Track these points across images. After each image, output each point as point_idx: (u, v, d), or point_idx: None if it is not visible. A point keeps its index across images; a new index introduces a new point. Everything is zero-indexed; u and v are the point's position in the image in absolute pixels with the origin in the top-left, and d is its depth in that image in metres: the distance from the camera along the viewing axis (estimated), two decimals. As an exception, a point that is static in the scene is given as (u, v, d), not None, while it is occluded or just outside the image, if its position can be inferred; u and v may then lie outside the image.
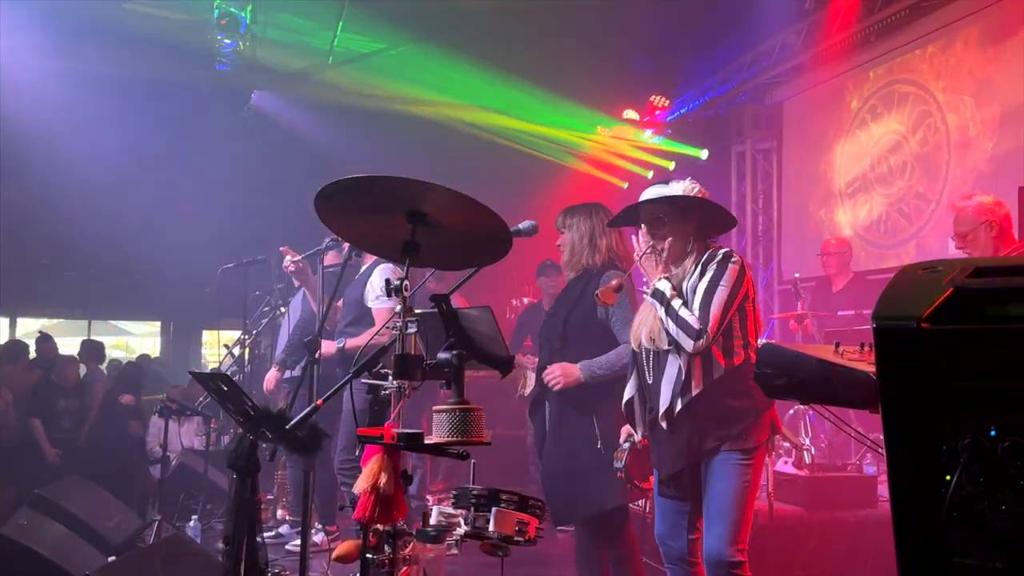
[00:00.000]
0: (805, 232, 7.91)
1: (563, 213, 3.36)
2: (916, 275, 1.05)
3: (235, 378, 4.40)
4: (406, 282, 1.93)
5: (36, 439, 6.53)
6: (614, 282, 2.81)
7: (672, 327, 2.60)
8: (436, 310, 1.92)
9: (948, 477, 0.94)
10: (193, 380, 5.93)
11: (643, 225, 2.79)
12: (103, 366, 8.30)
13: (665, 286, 2.67)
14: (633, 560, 3.21)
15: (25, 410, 6.69)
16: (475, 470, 2.18)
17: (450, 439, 1.78)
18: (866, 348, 1.35)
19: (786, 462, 4.50)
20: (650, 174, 9.07)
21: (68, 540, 4.12)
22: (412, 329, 1.92)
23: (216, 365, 7.90)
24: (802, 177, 8.08)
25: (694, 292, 2.63)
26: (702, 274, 2.65)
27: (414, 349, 1.92)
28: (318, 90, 8.98)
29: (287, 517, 5.55)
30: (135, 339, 16.09)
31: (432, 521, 2.05)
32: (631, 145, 9.62)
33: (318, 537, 4.87)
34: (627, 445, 2.89)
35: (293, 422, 2.11)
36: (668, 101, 9.19)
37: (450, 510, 2.07)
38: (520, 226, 2.60)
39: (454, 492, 2.13)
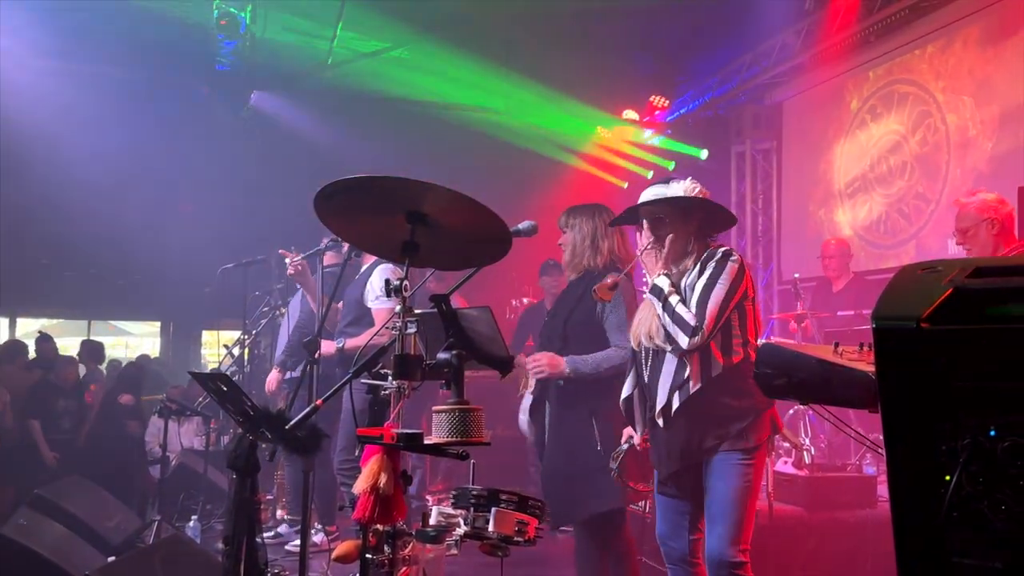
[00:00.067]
0: (805, 232, 7.91)
1: (566, 213, 3.36)
2: (916, 275, 1.05)
3: (235, 378, 4.42)
4: (406, 282, 1.93)
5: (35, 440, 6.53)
6: (609, 279, 2.82)
7: (669, 323, 2.60)
8: (436, 310, 1.92)
9: (947, 477, 0.94)
10: (193, 380, 5.94)
11: (644, 222, 2.80)
12: (103, 366, 8.30)
13: (664, 282, 2.68)
14: (630, 560, 3.21)
15: (24, 410, 6.68)
16: (475, 470, 2.18)
17: (450, 439, 1.78)
18: (865, 348, 1.35)
19: (786, 462, 4.50)
20: (650, 174, 9.08)
21: (68, 540, 4.12)
22: (412, 329, 1.92)
23: (216, 365, 7.91)
24: (802, 177, 8.08)
25: (692, 290, 2.63)
26: (701, 272, 2.65)
27: (414, 349, 1.92)
28: (318, 90, 8.98)
29: (286, 516, 5.55)
30: (135, 339, 16.10)
31: (432, 521, 2.05)
32: (631, 145, 9.62)
33: (318, 537, 4.87)
34: (626, 446, 2.90)
35: (292, 422, 2.11)
36: (668, 101, 9.20)
37: (450, 510, 2.07)
38: (520, 226, 2.61)
39: (454, 492, 2.14)
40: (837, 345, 1.42)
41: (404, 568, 1.97)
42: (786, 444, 4.52)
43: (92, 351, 7.98)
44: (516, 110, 9.48)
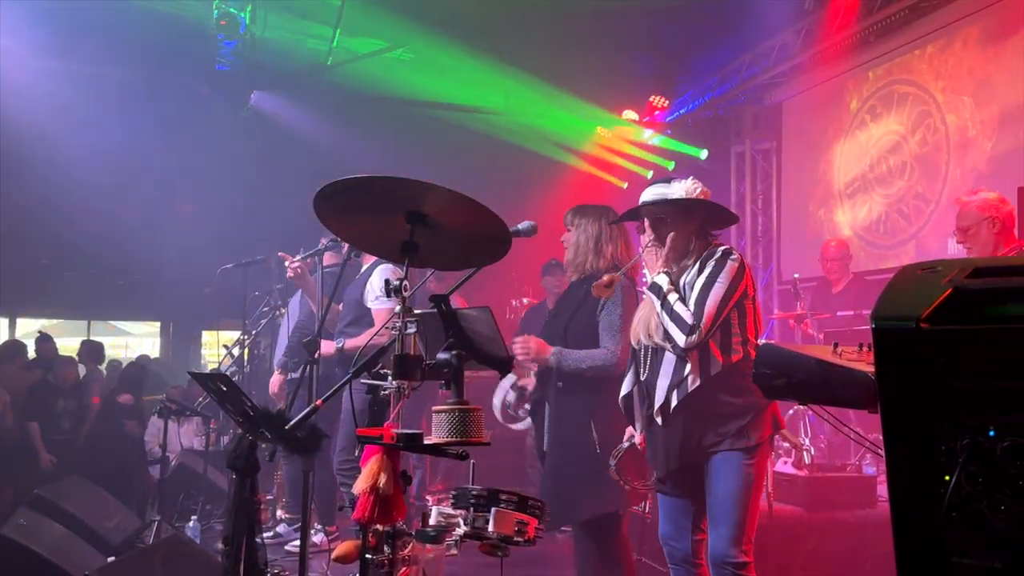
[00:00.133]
0: (805, 232, 7.91)
1: (573, 211, 3.35)
2: (915, 275, 1.05)
3: (234, 378, 4.42)
4: (405, 282, 1.93)
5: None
6: (605, 278, 2.83)
7: (667, 321, 2.60)
8: (435, 310, 1.92)
9: (947, 477, 0.94)
10: (192, 380, 5.94)
11: (645, 220, 2.80)
12: (103, 366, 8.30)
13: (663, 280, 2.68)
14: (626, 561, 3.21)
15: (24, 411, 6.68)
16: (474, 470, 2.18)
17: (449, 439, 1.78)
18: (865, 348, 1.35)
19: (786, 462, 4.50)
20: (650, 174, 9.07)
21: (67, 540, 4.12)
22: (411, 329, 1.92)
23: (215, 365, 7.90)
24: (802, 177, 8.08)
25: (691, 288, 2.63)
26: (700, 270, 2.65)
27: (413, 349, 1.92)
28: (317, 90, 8.98)
29: (285, 516, 5.55)
30: (135, 339, 16.09)
31: (431, 521, 2.05)
32: (631, 145, 9.62)
33: (317, 537, 4.87)
34: (626, 445, 2.90)
35: (292, 422, 2.11)
36: (668, 101, 9.19)
37: (449, 510, 2.07)
38: (519, 226, 2.61)
39: (453, 492, 2.13)
40: (836, 345, 1.42)
41: (404, 568, 1.97)
42: (786, 444, 4.52)
43: (92, 351, 7.98)
44: (516, 110, 9.49)
